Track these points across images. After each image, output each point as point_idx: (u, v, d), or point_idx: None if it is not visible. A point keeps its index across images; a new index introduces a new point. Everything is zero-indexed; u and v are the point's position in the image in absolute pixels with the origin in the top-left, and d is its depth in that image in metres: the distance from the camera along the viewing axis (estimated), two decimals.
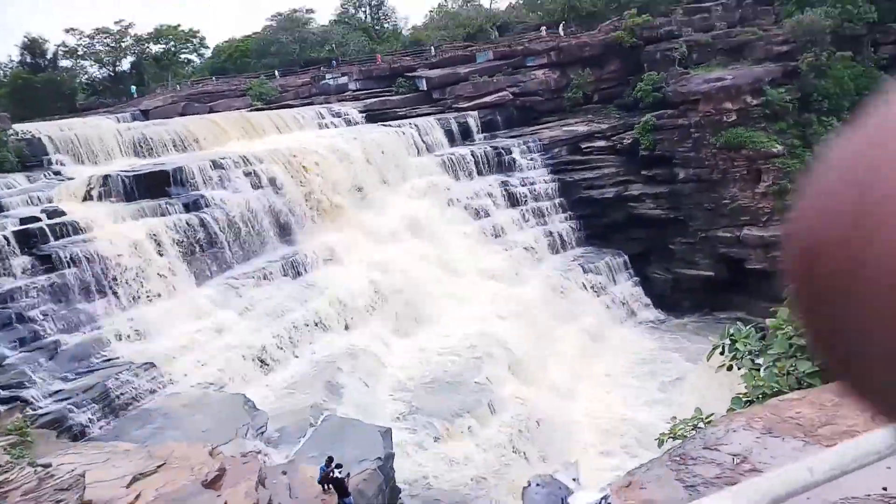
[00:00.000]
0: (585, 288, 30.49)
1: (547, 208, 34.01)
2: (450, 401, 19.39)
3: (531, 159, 35.33)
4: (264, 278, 23.92)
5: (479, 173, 33.62)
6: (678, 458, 3.68)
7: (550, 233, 32.98)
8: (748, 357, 5.27)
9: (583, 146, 36.38)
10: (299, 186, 26.99)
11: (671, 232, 34.18)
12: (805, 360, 4.70)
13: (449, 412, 18.78)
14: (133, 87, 48.51)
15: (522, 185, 33.97)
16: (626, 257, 33.32)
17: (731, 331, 5.55)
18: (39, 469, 11.59)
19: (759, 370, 5.07)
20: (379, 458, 14.74)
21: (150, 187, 25.18)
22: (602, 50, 40.15)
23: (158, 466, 12.70)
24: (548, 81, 40.02)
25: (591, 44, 40.62)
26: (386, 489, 14.40)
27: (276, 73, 45.86)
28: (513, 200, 33.28)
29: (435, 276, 26.49)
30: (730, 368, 5.38)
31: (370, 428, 16.20)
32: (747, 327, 5.48)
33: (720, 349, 5.47)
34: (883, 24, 38.26)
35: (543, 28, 47.12)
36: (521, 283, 28.34)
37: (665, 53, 38.11)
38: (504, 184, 33.41)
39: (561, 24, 46.32)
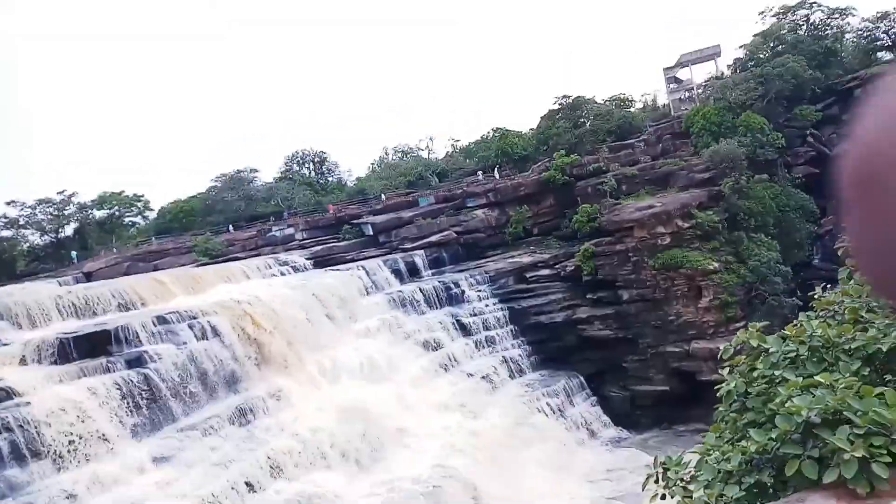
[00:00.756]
0: (544, 412, 30.09)
1: (499, 336, 34.19)
2: None
3: (480, 290, 35.90)
4: (211, 429, 22.95)
5: (430, 307, 33.87)
6: None
7: (505, 359, 32.93)
8: (680, 485, 5.28)
9: (528, 275, 37.33)
10: (245, 334, 26.63)
11: (622, 350, 34.58)
12: (733, 484, 4.79)
13: None
14: (74, 253, 48.27)
15: (473, 315, 34.27)
16: (581, 378, 33.35)
17: (662, 459, 5.60)
18: None
19: (691, 497, 5.07)
20: None
21: (91, 347, 24.45)
22: (536, 188, 42.26)
23: None
24: (488, 219, 41.61)
25: (526, 183, 42.80)
26: None
27: (230, 227, 46.56)
28: (465, 330, 33.41)
29: (390, 412, 25.84)
30: (663, 497, 5.37)
31: None
32: (678, 455, 5.60)
33: (654, 478, 5.51)
34: (791, 148, 41.56)
35: (480, 172, 49.56)
36: (479, 412, 27.82)
37: (596, 187, 40.26)
38: (454, 315, 33.66)
39: (496, 168, 48.80)
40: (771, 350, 5.48)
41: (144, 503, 18.95)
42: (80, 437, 20.89)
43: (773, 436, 4.49)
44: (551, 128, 49.00)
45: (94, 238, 53.08)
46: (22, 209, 52.51)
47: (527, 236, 41.59)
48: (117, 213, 57.44)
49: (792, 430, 4.34)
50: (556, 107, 49.91)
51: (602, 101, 51.28)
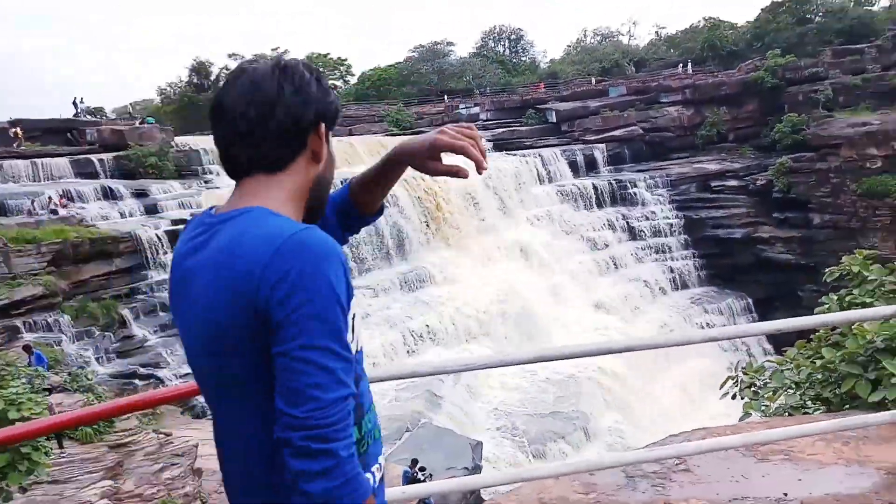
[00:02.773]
0: (702, 329, 29.59)
1: (669, 245, 33.40)
2: (546, 424, 19.56)
3: (657, 194, 34.90)
4: (383, 290, 25.20)
5: (600, 205, 33.61)
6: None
7: (671, 269, 32.33)
8: (750, 389, 5.66)
9: (713, 184, 35.53)
10: (421, 207, 28.22)
11: (800, 278, 32.51)
12: (795, 394, 5.17)
13: (544, 434, 18.97)
14: None
15: (645, 220, 33.61)
16: (749, 300, 32.03)
17: (744, 365, 5.97)
18: (161, 436, 13.02)
19: (756, 400, 5.52)
20: (466, 468, 15.18)
21: None
22: (740, 89, 39.14)
23: None
24: (681, 118, 39.46)
25: (729, 83, 39.74)
26: (470, 497, 14.83)
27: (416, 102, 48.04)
28: (633, 234, 32.96)
29: (546, 303, 26.73)
30: (733, 397, 5.77)
31: (462, 439, 16.69)
32: (759, 363, 6.00)
33: (733, 379, 5.88)
34: None
35: (681, 65, 46.50)
36: (634, 318, 28.00)
37: (808, 95, 36.64)
38: (625, 217, 33.20)
39: (687, 64, 45.55)
40: (870, 278, 5.61)
41: None
42: None
43: (839, 354, 4.70)
44: (771, 22, 44.49)
45: None
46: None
47: (719, 141, 39.06)
48: (323, 73, 60.75)
49: (857, 351, 4.53)
50: None
51: None
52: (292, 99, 1.41)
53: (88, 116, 38.41)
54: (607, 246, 31.61)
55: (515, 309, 25.40)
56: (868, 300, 5.47)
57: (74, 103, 38.26)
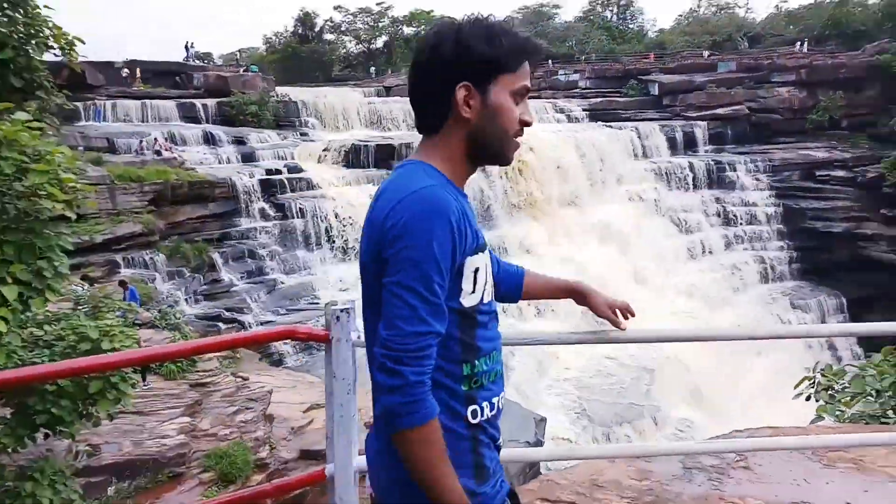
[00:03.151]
0: (790, 324, 28.39)
1: (764, 233, 32.01)
2: (614, 407, 19.38)
3: (756, 179, 33.35)
4: None
5: (696, 186, 32.44)
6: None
7: (762, 259, 31.01)
8: (826, 392, 5.48)
9: (818, 173, 33.61)
10: (507, 175, 28.01)
11: None
12: (873, 402, 4.98)
13: (610, 417, 18.82)
14: (372, 68, 52.53)
15: (742, 205, 32.25)
16: (843, 300, 30.39)
17: (823, 367, 5.79)
18: (239, 380, 13.68)
19: (832, 404, 5.35)
20: (528, 441, 15.28)
21: (378, 158, 27.61)
22: (862, 73, 36.57)
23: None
24: (791, 100, 37.33)
25: (850, 65, 37.16)
26: (529, 472, 14.96)
27: None
28: (727, 219, 31.71)
29: (627, 284, 26.20)
30: (808, 398, 5.62)
31: (527, 413, 16.76)
32: (838, 366, 5.74)
33: (811, 381, 5.74)
34: None
35: (798, 43, 43.81)
36: (718, 306, 27.13)
37: None
38: (720, 200, 31.93)
39: (804, 42, 42.79)
40: None
41: None
42: (356, 235, 24.37)
43: None
44: None
45: (400, 54, 57.13)
46: (345, 16, 57.71)
47: (831, 128, 36.72)
48: (424, 31, 60.59)
49: None
50: None
51: None
52: (429, 64, 1.62)
53: (197, 61, 39.90)
54: (699, 230, 30.55)
55: (596, 287, 25.02)
56: None
57: (186, 47, 39.78)
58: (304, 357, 18.96)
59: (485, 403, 1.66)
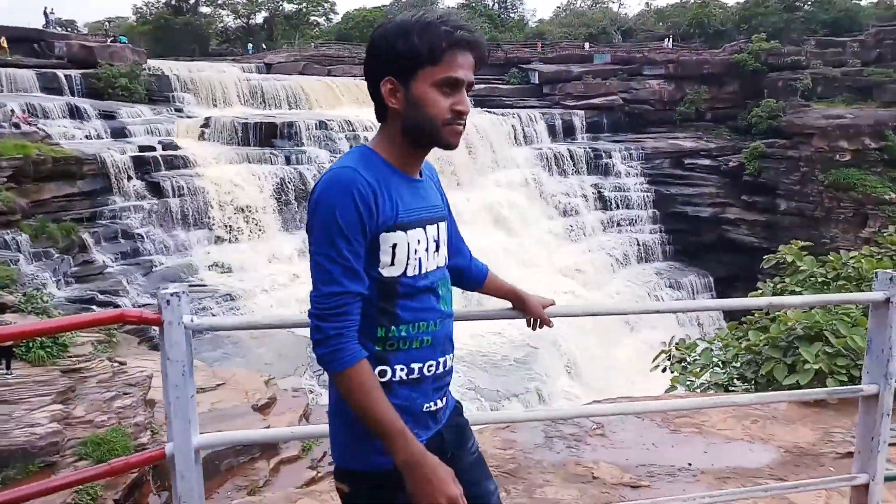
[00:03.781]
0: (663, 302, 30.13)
1: (638, 217, 33.72)
2: (499, 382, 19.85)
3: (630, 166, 35.06)
4: None
5: (576, 172, 33.67)
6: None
7: (637, 241, 32.69)
8: (680, 364, 5.98)
9: (686, 161, 35.79)
10: None
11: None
12: (720, 373, 5.60)
13: (497, 392, 19.26)
14: (250, 46, 50.78)
15: (617, 191, 33.80)
16: (711, 279, 32.64)
17: (678, 340, 6.28)
18: (115, 365, 12.89)
19: (682, 374, 5.89)
20: None
21: (259, 136, 26.70)
22: (722, 69, 39.22)
23: (218, 385, 13.80)
24: (661, 92, 39.46)
25: (712, 62, 39.76)
26: None
27: None
28: (604, 204, 33.16)
29: (511, 266, 26.83)
30: (663, 370, 6.07)
31: None
32: (691, 340, 6.30)
33: (667, 354, 6.18)
34: None
35: (667, 39, 46.34)
36: (597, 287, 28.33)
37: (788, 83, 36.91)
38: (598, 186, 33.34)
39: (668, 39, 45.41)
40: (801, 268, 5.97)
41: (278, 288, 21.45)
42: (238, 216, 23.52)
43: (763, 338, 4.98)
44: (759, 5, 44.47)
45: (280, 31, 55.48)
46: None
47: (697, 119, 39.20)
48: (305, 9, 59.22)
49: (779, 336, 4.82)
50: None
51: None
52: (365, 61, 1.80)
53: (59, 29, 36.97)
54: (577, 213, 31.76)
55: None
56: (797, 289, 5.80)
57: (45, 13, 36.74)
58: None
59: (398, 366, 1.79)
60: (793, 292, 5.92)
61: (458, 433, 2.00)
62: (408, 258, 1.76)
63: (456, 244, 2.13)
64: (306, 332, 1.80)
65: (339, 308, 1.69)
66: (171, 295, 2.18)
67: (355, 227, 1.68)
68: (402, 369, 1.80)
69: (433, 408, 1.86)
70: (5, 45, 30.63)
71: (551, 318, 2.46)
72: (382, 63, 1.74)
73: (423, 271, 1.80)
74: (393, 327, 1.77)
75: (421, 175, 1.88)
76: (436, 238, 1.85)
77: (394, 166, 1.78)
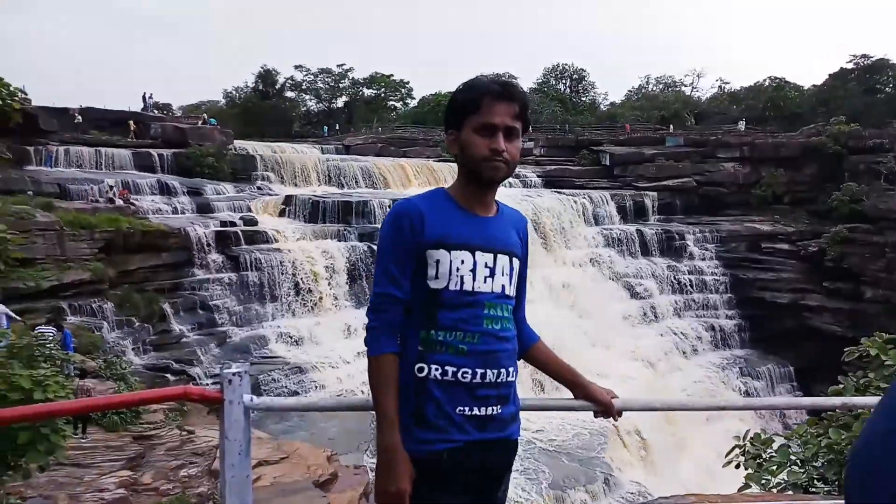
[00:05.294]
0: (740, 392, 28.83)
1: (713, 301, 32.75)
2: (567, 469, 19.21)
3: (705, 249, 34.34)
4: None
5: (646, 254, 33.19)
6: None
7: (713, 327, 31.63)
8: (755, 461, 5.66)
9: (763, 245, 34.82)
10: None
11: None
12: (798, 472, 5.24)
13: (564, 480, 18.62)
14: (325, 128, 53.07)
15: (691, 273, 33.04)
16: (791, 369, 31.09)
17: (752, 435, 6.03)
18: (184, 433, 13.17)
19: (758, 472, 5.53)
20: None
21: (335, 214, 27.58)
22: (800, 152, 38.43)
23: (281, 458, 13.88)
24: (736, 175, 38.95)
25: (789, 145, 39.10)
26: None
27: None
28: (677, 287, 32.41)
29: (580, 347, 26.36)
30: (737, 466, 5.74)
31: None
32: (768, 435, 6.02)
33: (741, 449, 5.96)
34: None
35: (742, 122, 46.02)
36: (668, 373, 27.44)
37: (870, 166, 35.87)
38: (671, 268, 32.69)
39: (742, 122, 44.98)
40: (887, 363, 5.65)
41: (347, 363, 21.64)
42: (312, 291, 24.09)
43: (845, 437, 4.77)
44: (838, 88, 43.87)
45: (359, 115, 57.89)
46: (306, 75, 58.47)
47: (774, 202, 38.30)
48: (383, 94, 61.79)
49: None
50: (850, 66, 44.26)
51: None
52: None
53: (155, 112, 39.65)
54: (649, 296, 31.11)
55: (552, 348, 25.07)
56: (883, 385, 5.51)
57: (144, 98, 39.54)
58: (254, 412, 18.37)
59: (434, 366, 2.07)
60: (877, 388, 5.65)
61: (499, 466, 2.24)
62: (450, 274, 2.08)
63: (516, 298, 2.32)
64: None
65: (379, 306, 2.11)
66: (234, 374, 2.23)
67: (399, 243, 2.09)
68: (436, 369, 2.07)
69: (468, 413, 2.09)
70: (133, 127, 33.22)
71: (619, 410, 2.49)
72: (446, 119, 2.19)
73: (468, 289, 2.10)
74: (433, 331, 2.08)
75: (497, 213, 2.25)
76: (489, 265, 2.14)
77: (458, 202, 2.18)
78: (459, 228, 2.12)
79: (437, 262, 2.08)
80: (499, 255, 2.16)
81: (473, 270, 2.11)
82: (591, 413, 2.48)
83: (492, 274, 2.14)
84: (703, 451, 24.20)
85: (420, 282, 2.11)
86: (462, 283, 2.09)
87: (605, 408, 2.44)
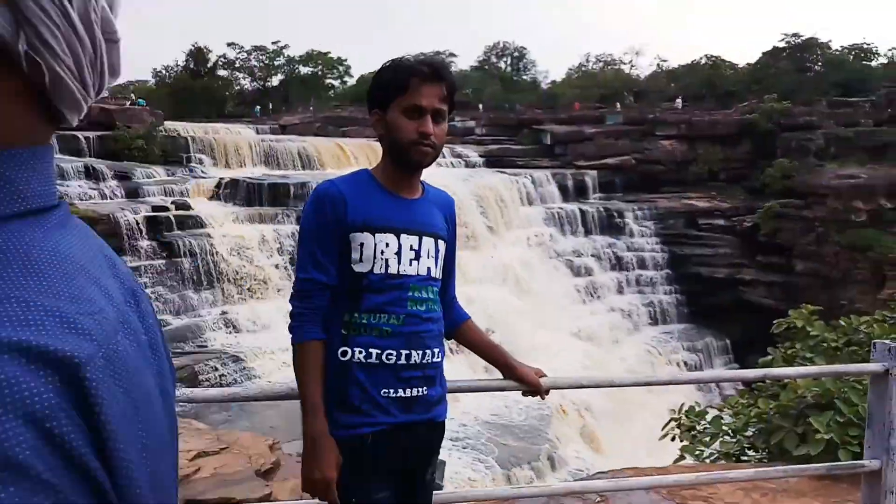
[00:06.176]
0: (680, 366, 29.45)
1: (652, 278, 33.29)
2: (512, 447, 19.25)
3: (644, 226, 34.83)
4: None
5: (588, 232, 33.47)
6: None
7: (652, 303, 32.19)
8: (689, 433, 5.83)
9: (700, 221, 35.54)
10: None
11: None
12: (730, 442, 5.48)
13: (509, 458, 18.64)
14: (257, 108, 51.69)
15: (630, 251, 33.50)
16: (728, 341, 31.93)
17: (687, 408, 6.09)
18: None
19: (691, 443, 5.75)
20: None
21: (271, 197, 26.82)
22: (735, 130, 39.29)
23: (222, 449, 13.32)
24: (674, 153, 39.54)
25: (725, 122, 39.91)
26: None
27: None
28: (618, 263, 32.82)
29: (526, 327, 26.42)
30: (672, 439, 5.92)
31: None
32: (701, 408, 6.26)
33: (677, 421, 6.00)
34: None
35: (678, 100, 46.73)
36: (611, 348, 27.79)
37: (801, 143, 36.87)
38: (611, 245, 33.06)
39: (679, 100, 45.78)
40: (812, 333, 5.93)
41: (287, 349, 21.12)
42: (247, 277, 23.39)
43: (773, 406, 4.91)
44: (770, 67, 44.91)
45: (295, 93, 56.59)
46: (239, 52, 56.80)
47: (710, 179, 39.07)
48: (320, 72, 60.53)
49: (789, 405, 4.73)
50: (782, 45, 45.36)
51: (838, 49, 45.91)
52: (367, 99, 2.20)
53: None
54: (591, 273, 31.41)
55: (494, 330, 25.06)
56: (808, 355, 5.73)
57: None
58: (185, 405, 17.75)
59: (358, 349, 2.08)
60: (803, 358, 5.82)
61: (426, 448, 2.25)
62: (374, 257, 2.08)
63: (444, 279, 2.30)
64: None
65: (303, 291, 2.11)
66: None
67: (323, 227, 2.08)
68: (360, 352, 2.08)
69: (393, 395, 2.09)
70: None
71: (547, 389, 2.56)
72: (370, 98, 2.17)
73: (393, 272, 2.10)
74: (356, 314, 2.09)
75: (422, 195, 2.24)
76: (414, 248, 2.14)
77: (382, 184, 2.17)
78: (383, 211, 2.12)
79: (362, 245, 2.08)
80: (424, 238, 2.17)
81: (399, 253, 2.11)
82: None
83: (417, 256, 2.15)
84: (645, 423, 24.64)
85: (344, 266, 2.10)
86: (387, 266, 2.10)
87: (533, 387, 2.50)
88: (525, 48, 64.16)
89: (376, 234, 2.08)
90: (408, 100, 2.05)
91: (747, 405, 5.78)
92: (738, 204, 36.46)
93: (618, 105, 46.38)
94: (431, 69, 2.06)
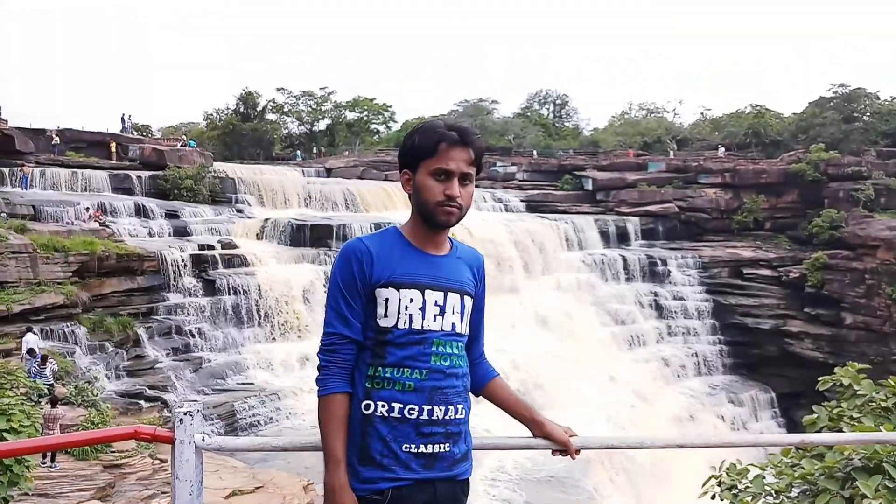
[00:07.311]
0: (723, 419, 28.66)
1: (696, 328, 32.68)
2: (550, 498, 18.85)
3: (687, 274, 34.36)
4: None
5: (629, 279, 33.12)
6: None
7: (695, 353, 31.52)
8: (730, 492, 5.53)
9: (745, 271, 34.91)
10: None
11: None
12: (772, 502, 5.10)
13: None
14: (298, 152, 52.87)
15: (674, 299, 33.00)
16: (773, 394, 31.02)
17: (728, 466, 5.99)
18: (157, 462, 12.73)
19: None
20: None
21: (314, 238, 27.24)
22: (780, 179, 38.83)
23: (256, 488, 13.45)
24: (718, 200, 39.17)
25: (770, 171, 39.47)
26: None
27: None
28: (660, 311, 32.33)
29: (562, 373, 26.11)
30: (713, 497, 5.60)
31: None
32: (743, 466, 5.99)
33: (717, 480, 5.89)
34: None
35: (722, 148, 46.38)
36: (652, 398, 27.21)
37: (849, 193, 36.25)
38: (654, 293, 32.62)
39: (721, 147, 45.38)
40: (859, 392, 5.63)
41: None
42: (290, 316, 23.67)
43: (818, 467, 4.65)
44: (816, 116, 44.31)
45: (341, 138, 57.76)
46: (288, 97, 58.35)
47: (756, 229, 38.53)
48: (366, 117, 61.74)
49: (836, 466, 4.48)
50: (829, 95, 44.81)
51: (886, 99, 45.17)
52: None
53: (134, 133, 39.25)
54: (633, 321, 30.98)
55: (530, 376, 24.80)
56: (855, 415, 5.46)
57: (122, 118, 39.13)
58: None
59: (381, 403, 2.11)
60: (850, 419, 5.59)
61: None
62: (399, 312, 2.13)
63: (472, 335, 2.34)
64: None
65: (330, 346, 2.16)
66: (185, 413, 2.22)
67: (350, 283, 2.15)
68: (382, 406, 2.11)
69: (414, 450, 2.11)
70: (114, 148, 32.82)
71: (577, 449, 2.45)
72: (401, 158, 2.24)
73: (417, 327, 2.14)
74: (380, 368, 2.12)
75: (450, 251, 2.29)
76: (439, 303, 2.18)
77: (410, 241, 2.23)
78: (409, 267, 2.18)
79: (387, 300, 2.14)
80: (449, 294, 2.20)
81: (423, 309, 2.15)
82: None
83: (441, 312, 2.18)
84: (686, 476, 23.93)
85: (369, 320, 2.16)
86: (411, 321, 2.14)
87: (562, 445, 2.41)
88: (567, 95, 64.77)
89: (401, 290, 2.13)
90: (436, 163, 2.14)
91: (791, 465, 5.67)
92: (784, 254, 35.80)
93: (671, 153, 46.12)
94: (459, 134, 2.16)
